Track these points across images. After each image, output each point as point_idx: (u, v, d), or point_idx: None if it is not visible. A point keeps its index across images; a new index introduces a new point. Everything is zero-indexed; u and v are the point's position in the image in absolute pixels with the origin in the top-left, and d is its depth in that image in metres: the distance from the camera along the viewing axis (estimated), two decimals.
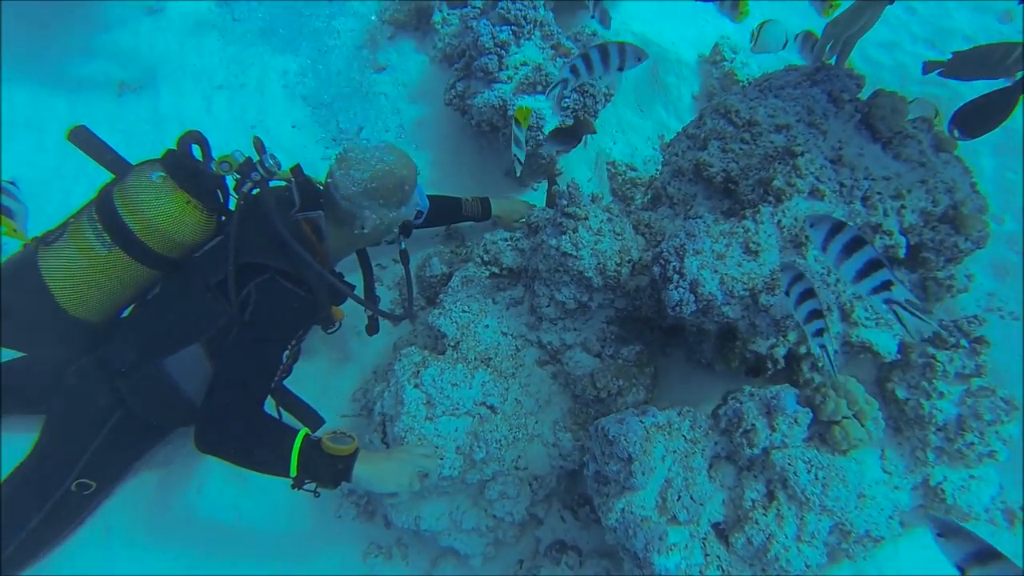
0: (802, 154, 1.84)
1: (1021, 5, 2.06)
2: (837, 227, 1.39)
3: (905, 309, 1.35)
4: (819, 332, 1.47)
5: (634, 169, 3.10)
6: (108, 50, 3.48)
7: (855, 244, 1.36)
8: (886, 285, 1.35)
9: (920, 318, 1.36)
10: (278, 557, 2.36)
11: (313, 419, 2.44)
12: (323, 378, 2.71)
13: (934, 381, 1.90)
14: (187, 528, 2.38)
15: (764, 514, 1.74)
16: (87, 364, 2.16)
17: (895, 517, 1.90)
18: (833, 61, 2.20)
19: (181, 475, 2.45)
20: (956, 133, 2.03)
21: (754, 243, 1.78)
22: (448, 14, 3.19)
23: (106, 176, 2.15)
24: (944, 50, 3.21)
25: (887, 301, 1.36)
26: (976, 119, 2.01)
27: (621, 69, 1.90)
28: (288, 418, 2.26)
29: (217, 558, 2.35)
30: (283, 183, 2.16)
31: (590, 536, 2.24)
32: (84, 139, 2.15)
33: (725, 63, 3.14)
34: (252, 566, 2.35)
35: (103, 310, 2.11)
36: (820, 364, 1.55)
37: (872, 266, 1.35)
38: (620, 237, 2.04)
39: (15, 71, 3.41)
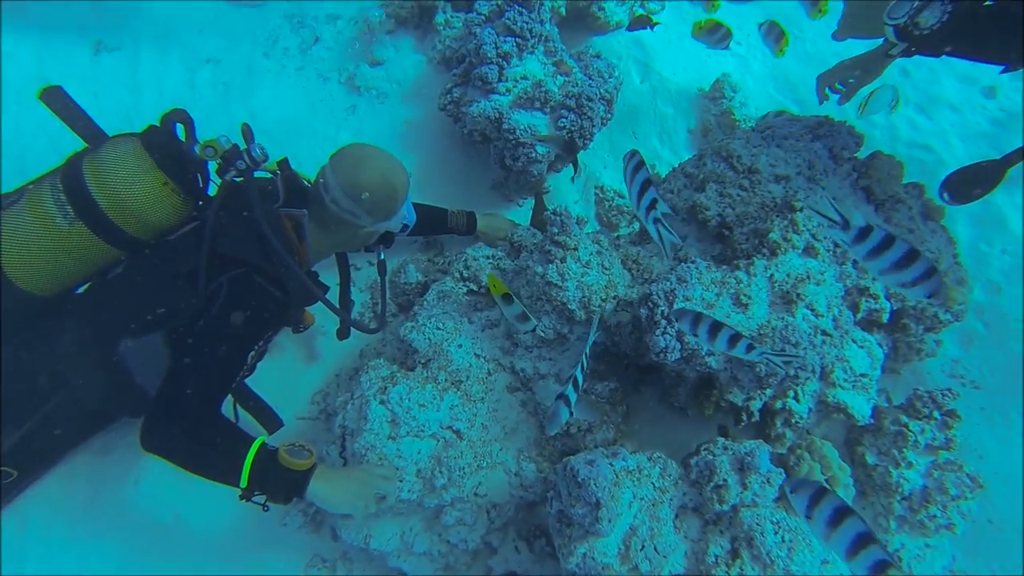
0: (801, 210, 1.82)
1: (1003, 74, 2.11)
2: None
3: (664, 226, 1.53)
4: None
5: (622, 196, 3.07)
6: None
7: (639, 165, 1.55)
8: (653, 204, 1.52)
9: (671, 234, 1.54)
10: (214, 563, 2.23)
11: (272, 420, 2.33)
12: (285, 376, 2.59)
13: (904, 450, 1.90)
14: (117, 525, 2.23)
15: (727, 572, 1.70)
16: (29, 340, 2.00)
17: None
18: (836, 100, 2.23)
19: (119, 465, 2.30)
20: (946, 197, 2.07)
21: (745, 295, 1.75)
22: (452, 16, 3.11)
23: (74, 142, 2.00)
24: (931, 116, 3.29)
25: (655, 220, 1.52)
26: (965, 186, 2.04)
27: None
28: (245, 418, 2.15)
29: (146, 560, 2.21)
30: (268, 175, 2.05)
31: (544, 570, 2.18)
32: (57, 100, 1.99)
33: (724, 100, 3.14)
34: (186, 568, 2.22)
35: (55, 285, 1.94)
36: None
37: (645, 185, 1.53)
38: (607, 272, 1.99)
39: None
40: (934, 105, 3.33)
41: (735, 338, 1.49)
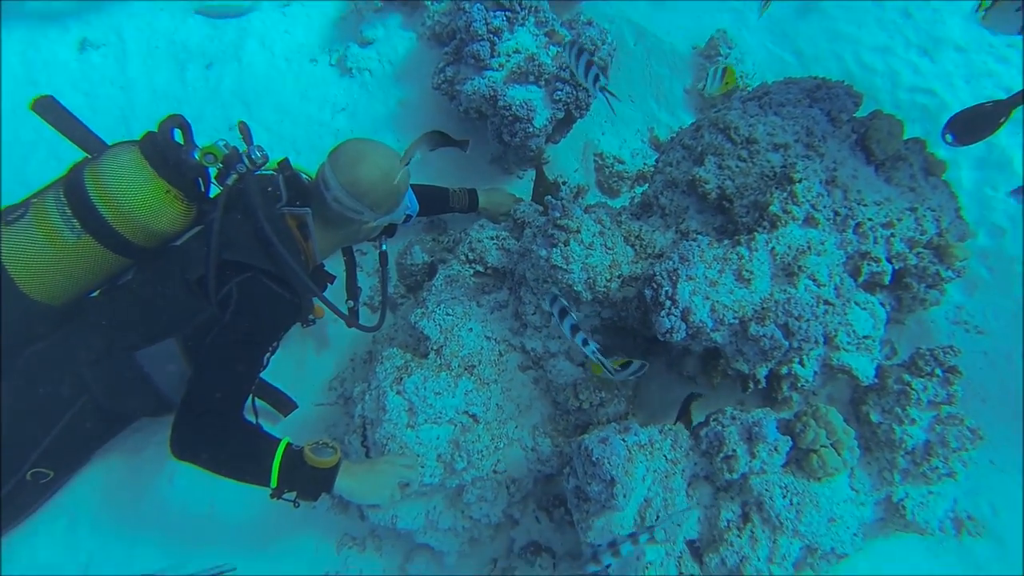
0: (800, 181, 1.83)
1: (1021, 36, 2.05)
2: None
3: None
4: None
5: (622, 162, 3.06)
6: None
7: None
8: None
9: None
10: (251, 547, 2.34)
11: (286, 404, 2.42)
12: (299, 364, 2.67)
13: (907, 408, 1.95)
14: (159, 518, 2.34)
15: (739, 536, 1.79)
16: (47, 349, 2.06)
17: (859, 534, 1.98)
18: None
19: (152, 463, 2.40)
20: (948, 139, 2.06)
21: (747, 271, 1.78)
22: None
23: (72, 150, 2.02)
24: (936, 59, 3.21)
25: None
26: (968, 127, 2.03)
27: None
28: (261, 404, 2.22)
29: (189, 547, 2.33)
30: (270, 172, 2.07)
31: (564, 538, 2.28)
32: (51, 111, 2.00)
33: (720, 58, 3.09)
34: (225, 557, 2.33)
35: (67, 294, 2.00)
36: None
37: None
38: (611, 251, 2.02)
39: None
40: (938, 47, 3.24)
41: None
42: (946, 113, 3.10)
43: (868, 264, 1.96)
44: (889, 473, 2.05)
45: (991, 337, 2.72)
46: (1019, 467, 2.41)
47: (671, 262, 1.79)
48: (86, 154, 2.02)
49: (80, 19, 3.24)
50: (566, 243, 1.97)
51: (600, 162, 3.08)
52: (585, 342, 1.71)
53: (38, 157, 2.92)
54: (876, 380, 2.05)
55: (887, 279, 2.00)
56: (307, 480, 1.82)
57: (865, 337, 1.98)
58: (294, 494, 1.85)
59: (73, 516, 2.31)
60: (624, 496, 1.73)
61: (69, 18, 3.22)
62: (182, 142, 2.00)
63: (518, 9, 2.63)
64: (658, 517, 1.79)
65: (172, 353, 1.99)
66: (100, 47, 3.19)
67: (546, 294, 1.86)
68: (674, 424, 2.10)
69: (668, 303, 1.74)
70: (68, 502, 2.31)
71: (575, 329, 1.72)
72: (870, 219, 1.95)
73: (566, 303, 1.76)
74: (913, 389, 1.96)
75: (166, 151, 1.93)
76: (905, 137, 2.31)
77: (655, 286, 1.78)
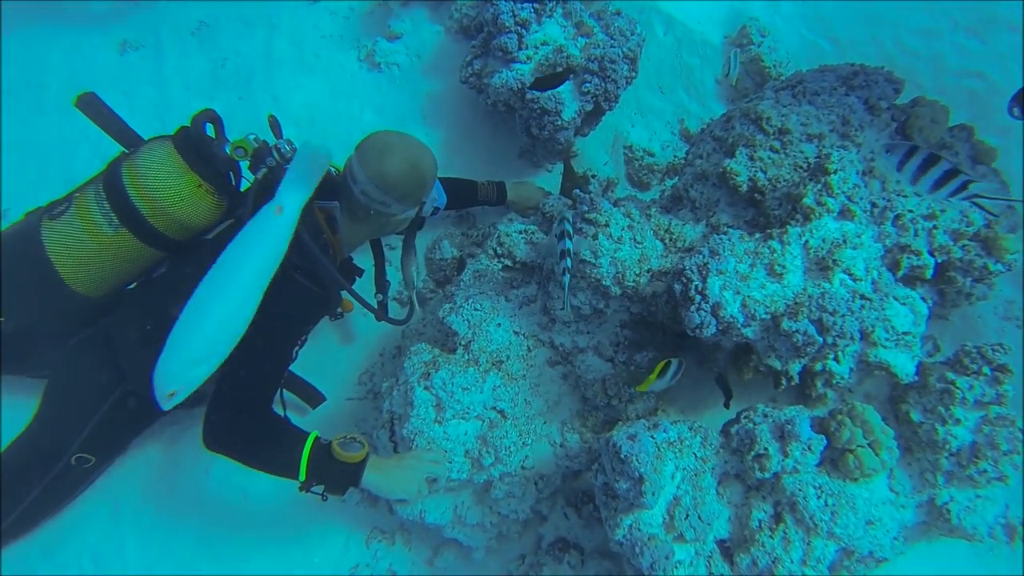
0: (835, 172, 1.77)
1: None
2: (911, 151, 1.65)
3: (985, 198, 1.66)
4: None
5: (652, 154, 3.01)
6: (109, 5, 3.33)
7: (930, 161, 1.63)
8: (964, 185, 1.62)
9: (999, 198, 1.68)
10: (284, 539, 2.39)
11: (314, 397, 2.46)
12: (328, 358, 2.70)
13: (951, 407, 1.88)
14: (195, 508, 2.40)
15: (771, 537, 1.74)
16: (88, 338, 2.14)
17: (900, 537, 1.91)
18: None
19: (189, 456, 2.46)
20: (1016, 112, 1.97)
21: (779, 265, 1.72)
22: None
23: (112, 146, 2.07)
24: (986, 40, 3.06)
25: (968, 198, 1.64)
26: None
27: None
28: (289, 397, 2.25)
29: (225, 538, 2.38)
30: None
31: (592, 536, 2.27)
32: (92, 107, 2.06)
33: (752, 47, 3.00)
34: (259, 547, 2.39)
35: (107, 287, 2.06)
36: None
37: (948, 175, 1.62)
38: (640, 245, 1.99)
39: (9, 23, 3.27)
40: (989, 26, 3.08)
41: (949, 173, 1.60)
42: (998, 98, 2.96)
43: (908, 257, 1.88)
44: (932, 475, 1.97)
45: None
46: None
47: (701, 256, 1.75)
48: (124, 149, 2.07)
49: (120, 21, 3.32)
50: (594, 237, 1.95)
51: (630, 155, 3.03)
52: (564, 271, 1.79)
53: (82, 155, 3.01)
54: (917, 378, 1.97)
55: (929, 273, 1.92)
56: (335, 474, 1.84)
57: (905, 333, 1.91)
58: (322, 487, 1.87)
59: (116, 505, 2.39)
60: (653, 494, 1.70)
61: (110, 21, 3.31)
62: (214, 136, 2.04)
63: (546, 0, 2.60)
64: (687, 516, 1.76)
65: None
66: (139, 48, 3.26)
67: (561, 218, 1.86)
68: (726, 406, 2.09)
69: (698, 298, 1.70)
70: (110, 492, 2.39)
71: (564, 254, 1.78)
72: (911, 211, 1.87)
73: (570, 229, 1.82)
74: (958, 388, 1.88)
75: (198, 145, 1.97)
76: (951, 124, 2.22)
77: (685, 280, 1.74)
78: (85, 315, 2.14)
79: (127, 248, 1.98)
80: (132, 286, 2.20)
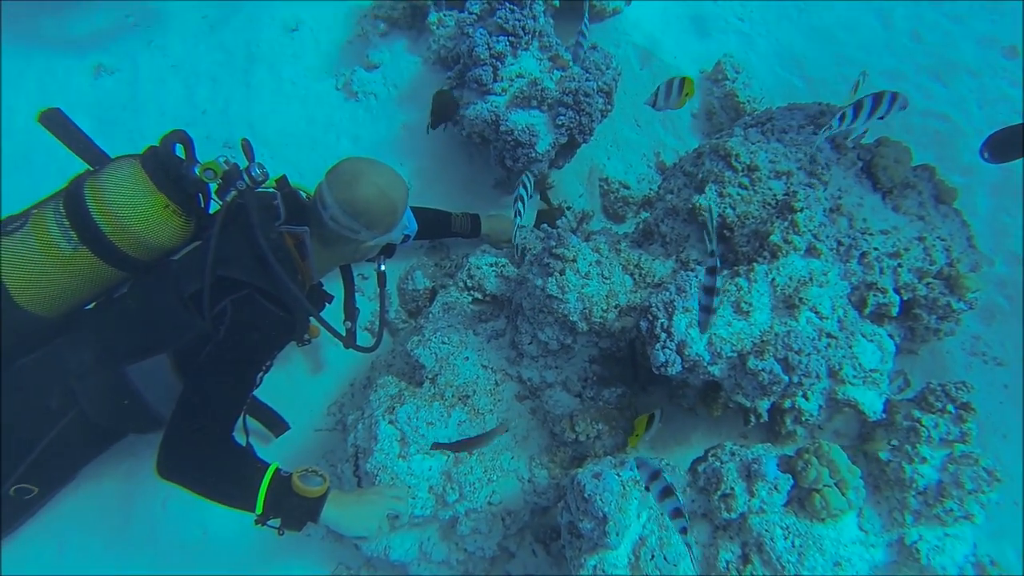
0: (801, 210, 1.78)
1: None
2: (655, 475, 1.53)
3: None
4: None
5: (627, 187, 3.03)
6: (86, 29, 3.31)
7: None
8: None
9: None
10: (243, 574, 2.31)
11: (278, 425, 2.40)
12: (296, 387, 2.64)
13: (918, 446, 1.87)
14: (149, 544, 2.31)
15: None
16: (38, 360, 2.04)
17: None
18: None
19: (145, 489, 2.37)
20: (986, 155, 2.02)
21: (746, 303, 1.72)
22: (445, 14, 3.06)
23: (78, 165, 2.03)
24: (947, 83, 3.15)
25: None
26: (1007, 146, 1.99)
27: (882, 118, 1.97)
28: (253, 425, 2.18)
29: (180, 573, 2.29)
30: (271, 190, 2.06)
31: (561, 572, 2.21)
32: (57, 123, 2.01)
33: (727, 82, 3.05)
34: None
35: (61, 306, 1.98)
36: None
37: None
38: (608, 281, 1.98)
39: None
40: (950, 71, 3.19)
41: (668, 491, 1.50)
42: (961, 139, 3.05)
43: (874, 295, 1.90)
44: (900, 514, 1.96)
45: (1010, 369, 2.62)
46: None
47: (667, 293, 1.74)
48: (89, 167, 2.03)
49: (98, 46, 3.30)
50: (562, 272, 1.93)
51: (606, 187, 3.05)
52: (518, 213, 2.10)
53: (50, 177, 2.96)
54: (885, 415, 1.97)
55: (895, 310, 1.93)
56: (293, 508, 1.78)
57: (872, 370, 1.91)
58: (279, 521, 1.80)
59: (62, 541, 2.29)
60: (617, 534, 1.67)
61: (87, 45, 3.29)
62: (184, 157, 2.01)
63: (521, 34, 2.62)
64: (653, 557, 1.72)
65: (163, 369, 1.96)
66: (114, 72, 3.24)
67: (523, 177, 2.09)
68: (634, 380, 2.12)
69: (663, 335, 1.69)
70: (56, 526, 2.29)
71: (519, 199, 2.05)
72: (876, 249, 1.89)
73: (526, 192, 2.16)
74: (923, 426, 1.88)
75: (167, 165, 1.92)
76: (915, 163, 2.25)
77: (651, 318, 1.73)
78: (37, 335, 2.05)
79: (86, 267, 1.92)
80: (91, 306, 2.13)
